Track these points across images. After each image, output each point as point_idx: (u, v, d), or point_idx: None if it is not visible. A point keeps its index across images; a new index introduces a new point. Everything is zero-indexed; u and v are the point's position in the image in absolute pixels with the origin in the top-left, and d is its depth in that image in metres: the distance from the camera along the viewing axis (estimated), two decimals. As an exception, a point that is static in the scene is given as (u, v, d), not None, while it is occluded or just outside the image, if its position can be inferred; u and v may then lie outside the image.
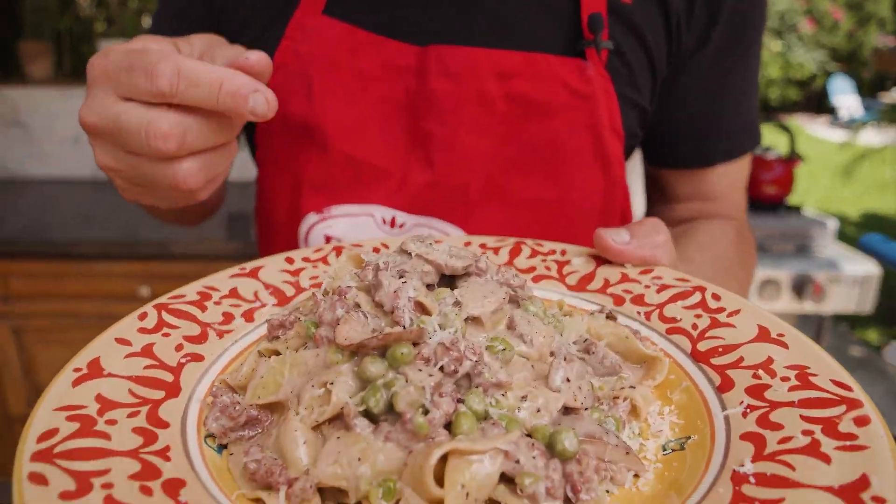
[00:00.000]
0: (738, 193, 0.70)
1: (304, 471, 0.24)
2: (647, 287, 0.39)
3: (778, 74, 10.27)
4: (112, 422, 0.24)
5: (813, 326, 2.07)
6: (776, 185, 2.03)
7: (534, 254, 0.45)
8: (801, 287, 1.81)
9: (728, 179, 0.68)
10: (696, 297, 0.36)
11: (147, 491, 0.21)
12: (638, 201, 0.75)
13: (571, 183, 0.58)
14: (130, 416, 0.25)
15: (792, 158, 2.07)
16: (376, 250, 0.45)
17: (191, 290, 0.38)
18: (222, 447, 0.27)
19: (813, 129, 10.26)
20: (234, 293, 0.38)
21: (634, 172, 0.83)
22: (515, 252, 0.46)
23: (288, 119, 0.58)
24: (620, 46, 0.57)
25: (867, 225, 5.89)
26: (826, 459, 0.22)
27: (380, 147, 0.57)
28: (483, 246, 0.47)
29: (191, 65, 0.36)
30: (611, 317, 0.35)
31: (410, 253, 0.31)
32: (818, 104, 11.32)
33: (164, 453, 0.23)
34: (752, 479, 0.22)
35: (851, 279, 1.81)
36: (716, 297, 0.36)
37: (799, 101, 11.19)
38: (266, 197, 0.65)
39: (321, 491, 0.24)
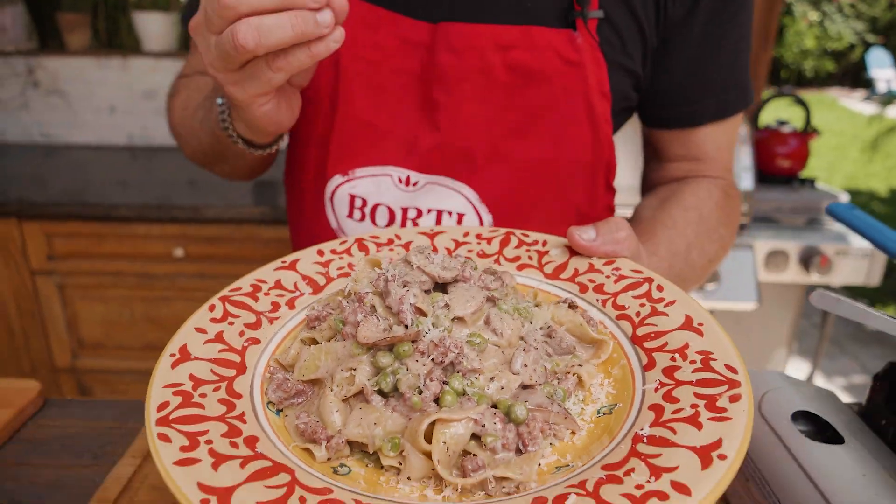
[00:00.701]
0: (726, 154, 0.77)
1: (337, 430, 0.35)
2: (608, 277, 0.49)
3: (813, 45, 9.91)
4: (203, 395, 0.35)
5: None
6: (790, 158, 2.08)
7: (520, 244, 0.55)
8: (808, 259, 1.87)
9: (716, 141, 0.75)
10: (644, 288, 0.46)
11: (234, 445, 0.32)
12: (638, 161, 0.83)
13: (564, 142, 0.66)
14: (215, 390, 0.36)
15: (807, 133, 2.10)
16: (390, 241, 0.55)
17: (245, 283, 0.48)
18: (279, 411, 0.38)
19: (848, 103, 9.95)
20: (278, 284, 0.49)
21: (634, 134, 0.89)
22: (505, 242, 0.55)
23: (318, 90, 0.67)
24: (611, 17, 0.64)
25: (891, 201, 5.80)
26: (699, 427, 0.32)
27: (395, 114, 0.66)
28: (479, 235, 0.56)
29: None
30: (572, 306, 0.45)
31: (412, 265, 0.41)
32: (855, 77, 10.92)
33: (241, 417, 0.34)
34: (645, 440, 0.32)
35: (860, 252, 1.87)
36: (659, 287, 0.46)
37: (835, 73, 10.81)
38: (295, 162, 0.74)
39: (350, 445, 0.35)
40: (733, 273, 1.81)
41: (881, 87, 9.49)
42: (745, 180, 1.84)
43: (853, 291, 4.03)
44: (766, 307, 1.92)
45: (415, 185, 0.66)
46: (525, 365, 0.36)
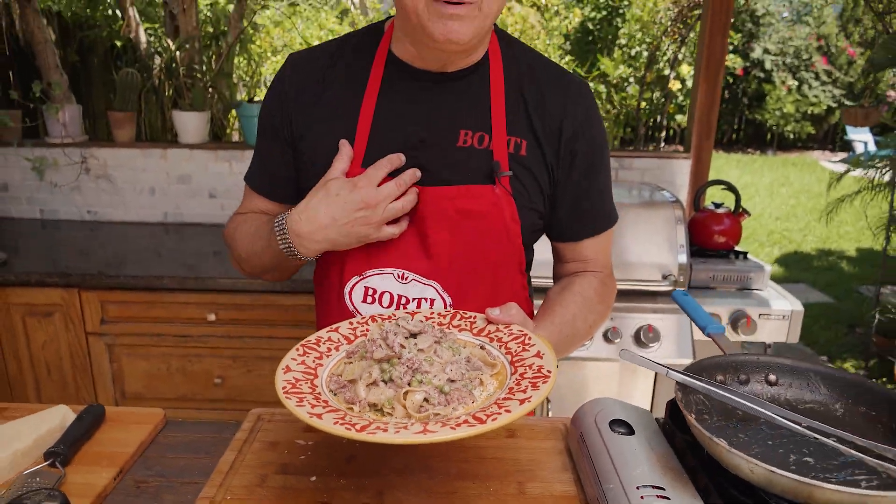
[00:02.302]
0: (602, 256, 1.23)
1: (363, 398, 0.78)
2: (504, 333, 0.93)
3: (792, 110, 10.62)
4: (299, 385, 0.79)
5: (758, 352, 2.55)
6: (725, 235, 2.54)
7: (461, 318, 0.99)
8: (736, 321, 2.31)
9: (595, 248, 1.21)
10: (521, 339, 0.90)
11: (317, 403, 0.76)
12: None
13: (491, 251, 1.10)
14: (310, 386, 0.80)
15: (738, 213, 2.57)
16: (390, 317, 1.00)
17: (313, 337, 0.93)
18: (334, 394, 0.81)
19: (829, 165, 10.58)
20: (329, 339, 0.93)
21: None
22: (453, 317, 1.00)
23: None
24: (520, 178, 1.09)
25: (861, 259, 6.26)
26: (525, 394, 0.75)
27: (394, 239, 1.10)
28: (439, 314, 1.01)
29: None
30: (483, 347, 0.89)
31: (400, 325, 0.86)
32: (835, 139, 11.59)
33: (319, 398, 0.78)
34: (494, 406, 0.75)
35: (779, 315, 2.31)
36: (528, 338, 0.90)
37: (815, 135, 11.48)
38: (323, 267, 1.18)
39: (368, 406, 0.79)
40: (673, 333, 2.24)
41: (859, 148, 10.12)
42: (681, 255, 2.29)
43: (819, 349, 4.44)
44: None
45: (406, 279, 1.10)
46: (451, 371, 0.80)
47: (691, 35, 3.94)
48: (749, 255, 2.57)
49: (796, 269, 6.14)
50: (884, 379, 3.92)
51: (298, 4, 6.19)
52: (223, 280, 2.28)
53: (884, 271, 4.10)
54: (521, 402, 0.74)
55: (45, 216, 3.01)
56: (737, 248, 2.59)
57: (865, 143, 10.06)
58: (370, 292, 1.09)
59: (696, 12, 3.52)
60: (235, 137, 3.52)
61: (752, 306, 2.31)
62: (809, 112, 10.91)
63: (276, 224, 1.06)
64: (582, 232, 1.18)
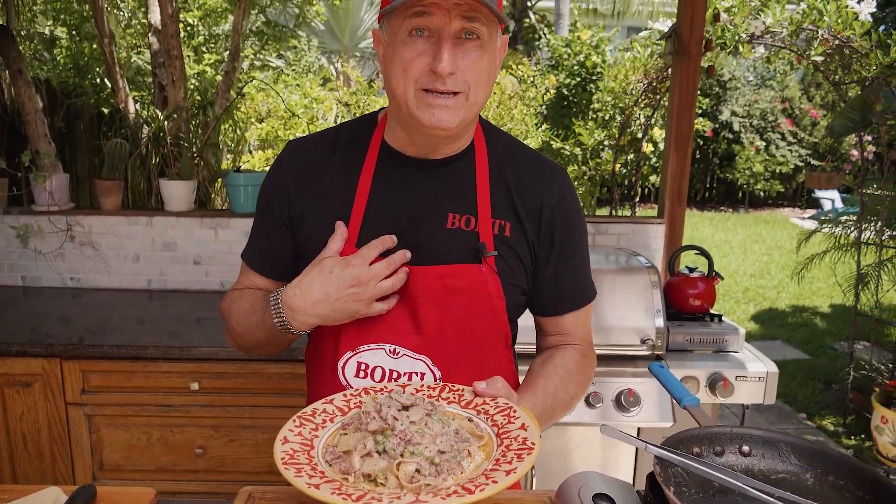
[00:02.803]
0: (582, 330, 1.30)
1: (359, 469, 0.83)
2: (490, 406, 0.99)
3: (761, 169, 11.04)
4: (296, 456, 0.84)
5: (738, 412, 2.62)
6: (700, 298, 2.64)
7: (450, 391, 1.06)
8: (714, 383, 2.38)
9: (574, 322, 1.29)
10: (507, 412, 0.96)
11: (314, 474, 0.80)
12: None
13: (478, 326, 1.18)
14: (307, 457, 0.84)
15: (712, 277, 2.68)
16: (382, 389, 1.05)
17: (308, 409, 0.98)
18: (329, 464, 0.86)
19: (799, 222, 10.94)
20: (324, 411, 0.98)
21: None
22: (442, 389, 1.06)
23: None
24: (505, 258, 1.17)
25: (834, 315, 6.43)
26: (510, 465, 0.81)
27: (385, 316, 1.16)
28: (429, 387, 1.07)
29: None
30: (470, 420, 0.94)
31: (393, 398, 0.92)
32: (804, 197, 12.01)
33: (316, 469, 0.82)
34: (482, 477, 0.81)
35: (756, 377, 2.39)
36: (514, 411, 0.96)
37: (785, 193, 11.89)
38: (316, 342, 1.24)
39: (362, 476, 0.83)
40: (653, 397, 2.30)
41: (826, 205, 10.51)
42: (658, 320, 2.38)
43: (797, 405, 4.51)
44: (680, 425, 2.39)
45: (398, 354, 1.16)
46: (441, 442, 0.86)
47: (663, 101, 4.16)
48: (724, 318, 2.66)
49: (771, 325, 6.28)
50: (862, 436, 3.99)
51: (283, 72, 6.41)
52: (206, 348, 2.31)
53: (855, 328, 4.23)
54: (507, 472, 0.80)
55: (27, 283, 3.02)
56: (712, 311, 2.68)
57: (832, 201, 10.45)
58: (363, 367, 1.15)
59: (666, 83, 3.74)
60: (219, 202, 3.59)
61: (728, 368, 2.39)
62: (778, 171, 11.36)
63: (272, 299, 1.12)
64: (562, 307, 1.26)
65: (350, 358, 1.16)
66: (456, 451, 0.87)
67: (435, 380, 1.15)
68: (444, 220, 1.17)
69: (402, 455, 0.84)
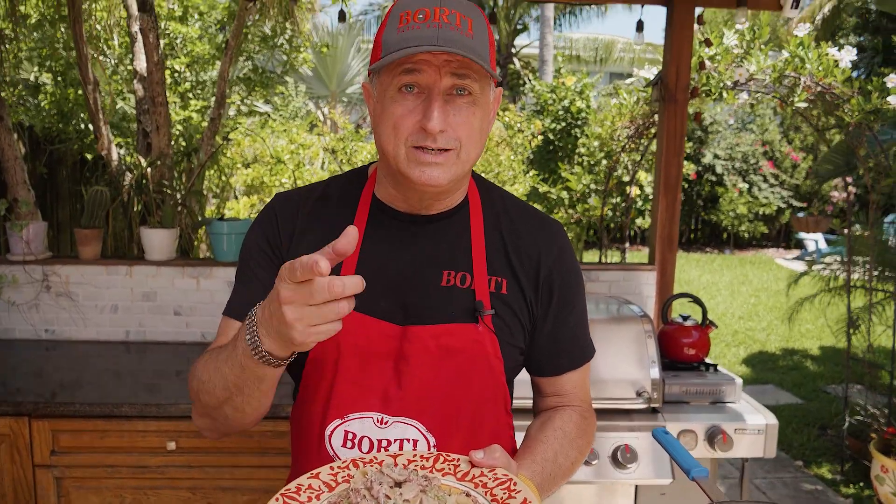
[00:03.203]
0: (581, 390, 1.23)
1: None
2: (489, 478, 0.90)
3: (745, 210, 11.15)
4: None
5: (737, 464, 2.53)
6: (694, 347, 2.58)
7: (444, 461, 0.97)
8: (712, 437, 2.29)
9: (573, 382, 1.22)
10: (507, 484, 0.88)
11: None
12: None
13: (475, 388, 1.10)
14: None
15: (706, 326, 2.62)
16: (371, 461, 0.96)
17: (292, 485, 0.89)
18: None
19: (784, 263, 11.02)
20: (310, 487, 0.89)
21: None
22: (436, 460, 0.98)
23: (325, 358, 1.09)
24: (502, 316, 1.11)
25: (825, 358, 6.39)
26: None
27: (375, 379, 1.09)
28: (422, 457, 0.98)
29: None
30: (468, 495, 0.86)
31: (384, 473, 0.83)
32: (787, 237, 12.14)
33: None
34: None
35: (755, 429, 2.31)
36: (514, 483, 0.88)
37: (769, 234, 12.01)
38: (303, 409, 1.15)
39: None
40: (650, 453, 2.21)
41: (811, 246, 10.61)
42: (653, 371, 2.31)
43: (793, 452, 4.41)
44: (678, 483, 2.29)
45: (386, 423, 1.08)
46: None
47: (651, 146, 4.17)
48: (719, 367, 2.60)
49: (763, 369, 6.21)
50: (861, 484, 3.90)
51: (270, 117, 6.41)
52: (185, 405, 2.20)
53: (848, 372, 4.18)
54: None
55: (-1, 336, 2.90)
56: (706, 360, 2.62)
57: (816, 241, 10.55)
58: (350, 436, 1.07)
59: (653, 130, 3.76)
60: (203, 250, 3.51)
61: (726, 421, 2.31)
62: (761, 212, 11.48)
63: (249, 315, 0.93)
64: (560, 366, 1.19)
65: (338, 426, 1.08)
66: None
67: (429, 447, 1.07)
68: (438, 277, 1.10)
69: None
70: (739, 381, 2.49)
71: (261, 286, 1.14)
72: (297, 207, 1.15)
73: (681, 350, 2.58)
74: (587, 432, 1.19)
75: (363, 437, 1.07)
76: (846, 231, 4.25)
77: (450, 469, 0.96)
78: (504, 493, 0.88)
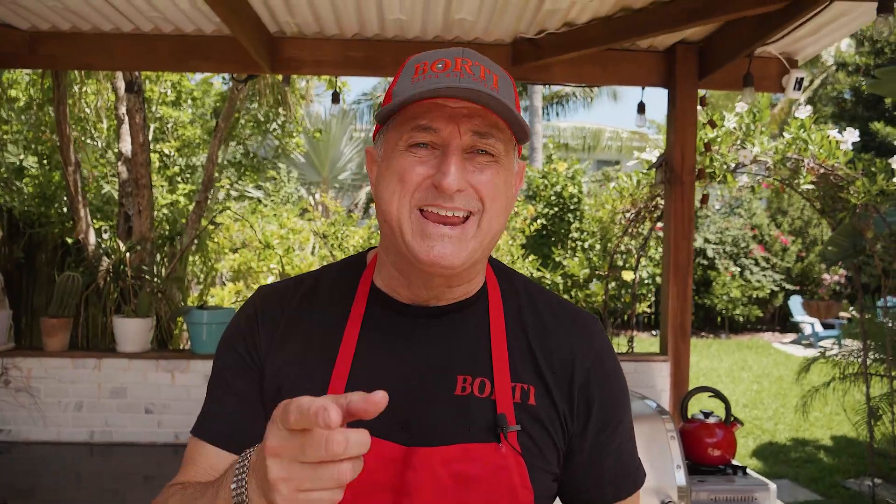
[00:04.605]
0: None
1: None
2: None
3: (738, 294, 11.06)
4: None
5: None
6: (719, 448, 2.33)
7: None
8: (750, 553, 2.01)
9: None
10: None
11: None
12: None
13: None
14: None
15: (731, 423, 2.38)
16: None
17: None
18: None
19: (781, 347, 10.82)
20: None
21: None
22: None
23: None
24: (529, 432, 0.88)
25: (839, 449, 6.07)
26: None
27: None
28: None
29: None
30: None
31: None
32: (783, 320, 12.01)
33: None
34: None
35: (796, 544, 2.02)
36: None
37: (764, 317, 11.87)
38: None
39: None
40: (682, 572, 1.92)
41: (807, 329, 10.44)
42: (679, 476, 2.05)
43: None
44: None
45: None
46: None
47: (654, 231, 4.05)
48: (748, 471, 2.34)
49: (775, 462, 5.86)
50: None
51: (260, 202, 6.30)
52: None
53: (873, 467, 3.89)
54: None
55: (-52, 438, 2.60)
56: (734, 462, 2.36)
57: (812, 325, 10.39)
58: None
59: (654, 212, 3.64)
60: (184, 340, 3.27)
61: (763, 534, 2.03)
62: (755, 296, 11.36)
63: (243, 454, 0.73)
64: (603, 497, 0.96)
65: None
66: None
67: None
68: (452, 385, 0.89)
69: None
70: (774, 486, 2.23)
71: (237, 401, 0.92)
72: (282, 305, 0.95)
73: (704, 451, 2.32)
74: None
75: None
76: (856, 314, 4.08)
77: None
78: None
